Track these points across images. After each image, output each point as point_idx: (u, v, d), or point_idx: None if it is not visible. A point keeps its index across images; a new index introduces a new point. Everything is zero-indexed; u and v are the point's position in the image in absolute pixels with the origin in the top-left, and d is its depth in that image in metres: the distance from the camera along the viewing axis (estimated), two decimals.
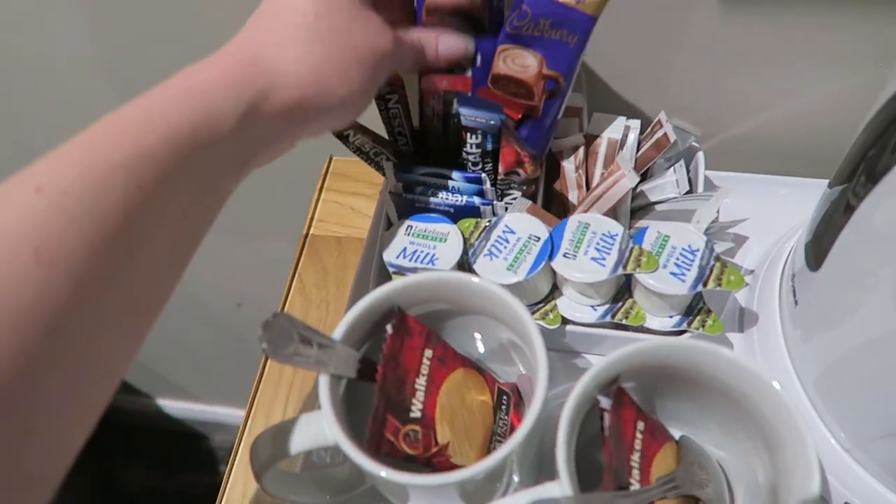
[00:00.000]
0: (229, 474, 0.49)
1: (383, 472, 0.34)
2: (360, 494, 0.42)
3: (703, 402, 0.40)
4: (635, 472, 0.36)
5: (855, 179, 0.36)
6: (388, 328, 0.38)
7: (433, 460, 0.37)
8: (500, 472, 0.37)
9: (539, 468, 0.42)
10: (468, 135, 0.44)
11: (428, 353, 0.39)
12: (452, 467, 0.36)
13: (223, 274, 0.90)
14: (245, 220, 0.80)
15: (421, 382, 0.38)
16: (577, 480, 0.34)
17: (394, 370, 0.37)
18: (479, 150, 0.45)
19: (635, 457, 0.37)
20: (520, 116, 0.44)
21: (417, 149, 0.50)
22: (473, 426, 0.39)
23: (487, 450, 0.39)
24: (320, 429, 0.36)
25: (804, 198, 0.47)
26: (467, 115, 0.43)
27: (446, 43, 0.41)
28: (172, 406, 1.34)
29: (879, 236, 0.34)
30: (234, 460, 0.50)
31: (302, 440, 0.36)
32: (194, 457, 1.39)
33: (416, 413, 0.37)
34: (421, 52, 0.41)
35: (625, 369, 0.37)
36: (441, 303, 0.41)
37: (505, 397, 0.41)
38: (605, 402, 0.36)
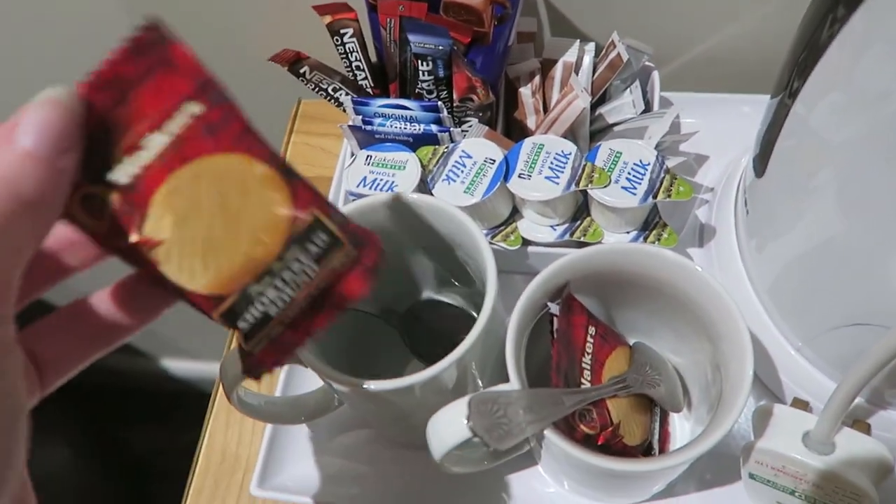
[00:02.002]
0: (207, 426, 0.52)
1: (335, 383, 0.35)
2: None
3: (655, 308, 0.41)
4: (587, 374, 0.38)
5: (789, 84, 0.37)
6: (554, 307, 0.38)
7: None
8: (460, 377, 0.38)
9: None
10: (419, 62, 0.45)
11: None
12: None
13: None
14: None
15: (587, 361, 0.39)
16: (530, 381, 0.36)
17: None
18: (432, 78, 0.46)
19: (587, 359, 0.38)
20: (469, 41, 0.45)
21: (377, 83, 0.50)
22: None
23: None
24: None
25: None
26: (416, 41, 0.44)
27: None
28: (175, 366, 1.36)
29: (811, 133, 0.35)
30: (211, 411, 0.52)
31: None
32: (199, 416, 1.42)
33: None
34: None
35: (571, 276, 0.38)
36: (398, 232, 0.42)
37: None
38: (554, 309, 0.38)
